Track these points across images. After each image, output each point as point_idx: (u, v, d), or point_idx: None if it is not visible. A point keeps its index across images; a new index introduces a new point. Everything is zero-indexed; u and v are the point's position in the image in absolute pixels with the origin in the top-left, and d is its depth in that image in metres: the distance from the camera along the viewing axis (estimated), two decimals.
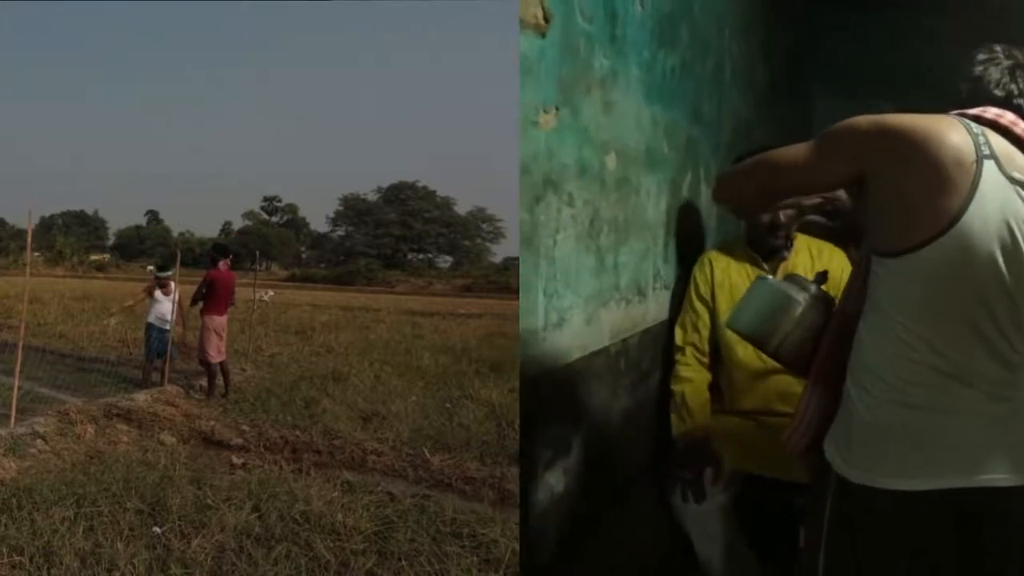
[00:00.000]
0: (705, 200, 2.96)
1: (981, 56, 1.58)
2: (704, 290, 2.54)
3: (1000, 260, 1.38)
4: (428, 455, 3.99)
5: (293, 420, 4.74)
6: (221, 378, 5.43)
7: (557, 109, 1.77)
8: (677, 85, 2.65)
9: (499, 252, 32.51)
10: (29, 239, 5.72)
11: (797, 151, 1.56)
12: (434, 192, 33.33)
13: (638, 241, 2.34)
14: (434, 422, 4.73)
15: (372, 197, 33.52)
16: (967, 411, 1.42)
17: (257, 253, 15.63)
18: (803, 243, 2.53)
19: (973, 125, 1.43)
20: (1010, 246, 1.38)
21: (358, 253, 31.24)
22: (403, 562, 2.73)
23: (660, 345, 2.56)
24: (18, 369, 4.55)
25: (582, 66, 1.90)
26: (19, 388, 4.49)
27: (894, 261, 1.43)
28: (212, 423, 4.65)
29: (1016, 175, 1.40)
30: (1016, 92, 1.53)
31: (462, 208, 33.65)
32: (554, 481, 1.86)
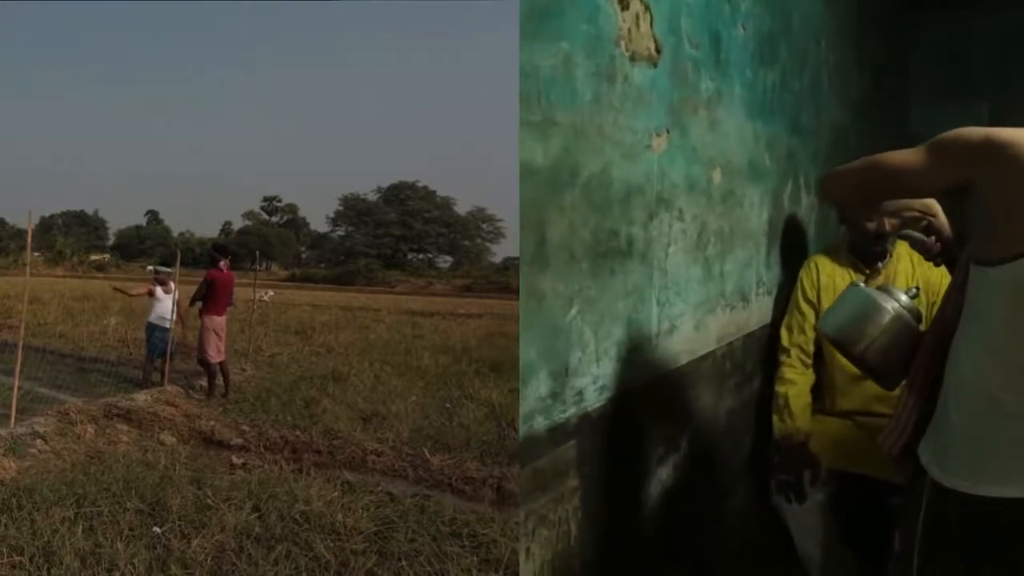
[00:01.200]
0: (805, 208, 3.07)
1: None
2: (811, 293, 2.60)
3: None
4: (428, 455, 3.99)
5: (293, 420, 4.74)
6: (221, 378, 5.43)
7: (668, 132, 1.89)
8: (777, 100, 2.76)
9: (499, 252, 32.58)
10: (29, 239, 5.72)
11: (906, 155, 1.57)
12: (434, 192, 33.41)
13: (742, 250, 2.44)
14: (434, 422, 4.73)
15: (372, 197, 33.60)
16: None
17: (257, 253, 15.62)
18: (904, 250, 2.57)
19: None
20: None
21: (358, 253, 31.27)
22: (403, 562, 2.73)
23: (763, 348, 2.65)
24: (18, 369, 4.55)
25: (690, 90, 2.02)
26: (19, 388, 4.49)
27: (993, 270, 1.44)
28: (212, 423, 4.65)
29: None
30: None
31: (462, 208, 33.76)
32: (665, 477, 1.98)
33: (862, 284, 1.92)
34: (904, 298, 1.81)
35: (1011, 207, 1.40)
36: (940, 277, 2.36)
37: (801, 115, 3.07)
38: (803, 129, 3.09)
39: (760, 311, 2.65)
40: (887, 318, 1.77)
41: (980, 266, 1.48)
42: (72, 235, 29.78)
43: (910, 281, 2.35)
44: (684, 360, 2.06)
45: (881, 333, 1.77)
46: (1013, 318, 1.43)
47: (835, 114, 3.60)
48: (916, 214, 1.77)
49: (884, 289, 1.87)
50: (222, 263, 5.55)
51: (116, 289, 7.32)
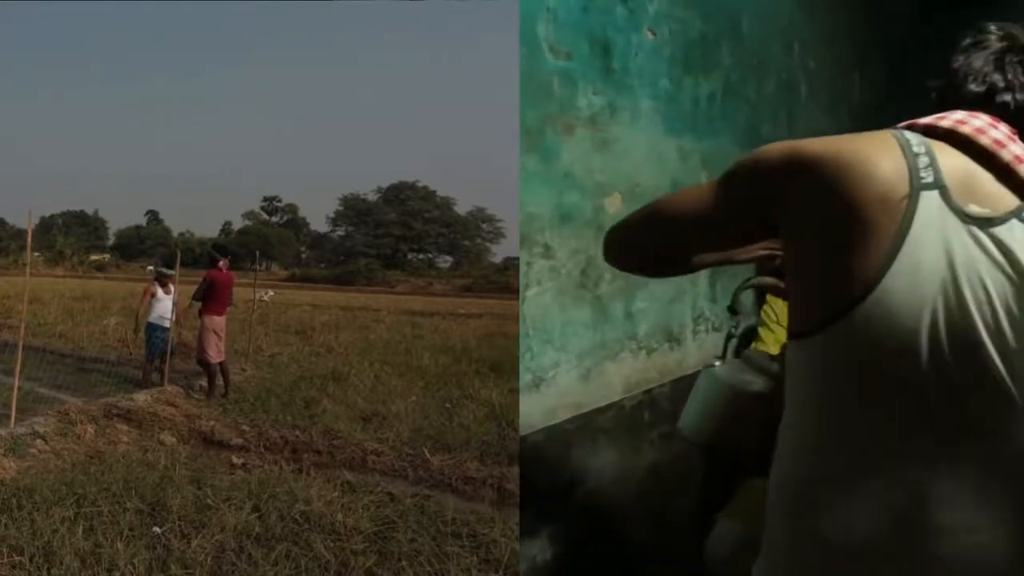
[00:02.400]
0: None
1: (967, 41, 1.21)
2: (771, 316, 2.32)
3: (937, 335, 1.00)
4: (428, 455, 3.98)
5: (293, 420, 4.73)
6: (221, 378, 5.43)
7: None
8: (719, 111, 2.50)
9: (499, 252, 32.53)
10: (29, 239, 5.71)
11: (696, 194, 1.21)
12: (434, 192, 33.36)
13: (663, 284, 2.18)
14: (434, 422, 4.72)
15: (372, 197, 33.55)
16: None
17: (257, 253, 15.61)
18: None
19: (914, 142, 1.06)
20: (955, 311, 1.00)
21: (358, 253, 31.24)
22: (403, 562, 2.72)
23: None
24: (18, 369, 4.55)
25: (556, 106, 1.79)
26: (19, 388, 4.48)
27: (796, 344, 1.09)
28: (212, 423, 4.65)
29: (974, 209, 1.02)
30: (1002, 85, 1.14)
31: (462, 208, 33.70)
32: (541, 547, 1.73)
33: (716, 364, 1.52)
34: (775, 367, 1.41)
35: (812, 254, 1.06)
36: None
37: (762, 126, 2.83)
38: (766, 140, 2.89)
39: (702, 350, 2.35)
40: (742, 401, 1.39)
41: (791, 339, 1.11)
42: (72, 235, 29.74)
43: None
44: (564, 415, 1.80)
45: (734, 420, 1.39)
46: (814, 416, 1.08)
47: (822, 121, 3.39)
48: (762, 252, 1.38)
49: (749, 360, 1.48)
50: (221, 263, 5.55)
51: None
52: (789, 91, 3.10)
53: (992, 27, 1.20)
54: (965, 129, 1.08)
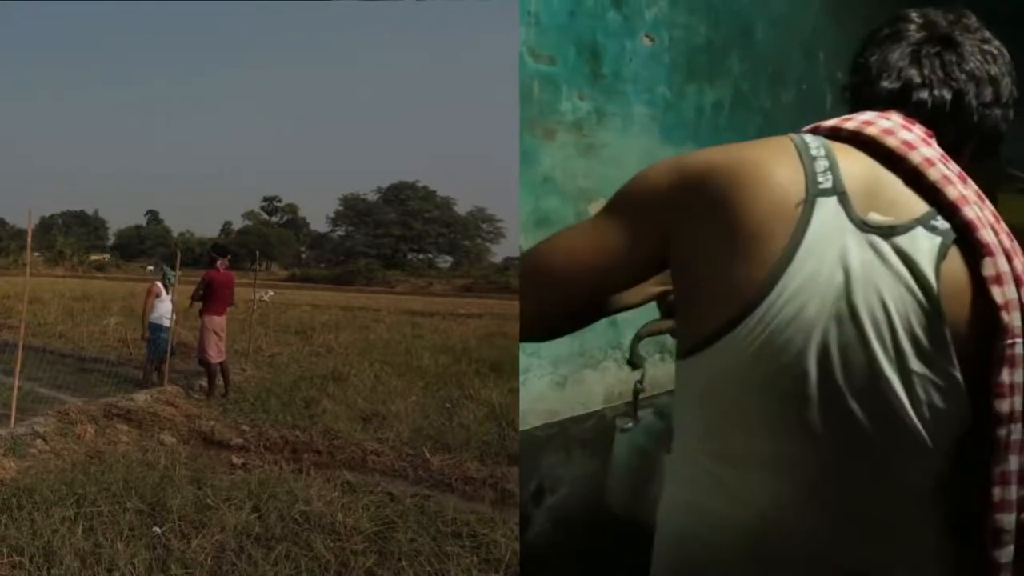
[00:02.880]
0: None
1: (884, 31, 1.10)
2: None
3: (827, 355, 0.90)
4: (428, 455, 3.98)
5: (293, 420, 4.73)
6: (221, 378, 5.43)
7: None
8: (726, 120, 2.46)
9: (499, 252, 32.51)
10: (29, 239, 5.72)
11: (581, 230, 1.09)
12: (434, 192, 33.34)
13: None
14: (434, 422, 4.72)
15: (372, 197, 33.53)
16: None
17: (257, 253, 15.59)
18: None
19: (813, 145, 0.97)
20: (848, 329, 0.90)
21: (358, 253, 31.23)
22: (403, 562, 2.72)
23: None
24: (18, 369, 4.55)
25: (536, 110, 1.77)
26: (19, 388, 4.48)
27: (680, 365, 1.01)
28: (212, 423, 4.65)
29: (874, 217, 0.93)
30: (918, 80, 1.03)
31: (462, 208, 33.66)
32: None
33: (628, 425, 1.40)
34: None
35: (700, 268, 0.96)
36: None
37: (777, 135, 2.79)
38: None
39: None
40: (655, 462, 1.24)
41: (677, 361, 1.02)
42: (72, 235, 29.70)
43: None
44: (535, 422, 1.75)
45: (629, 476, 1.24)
46: (698, 440, 0.99)
47: None
48: (657, 289, 1.24)
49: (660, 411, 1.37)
50: (219, 263, 5.56)
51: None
52: (812, 101, 3.01)
53: (913, 14, 1.09)
54: (871, 131, 0.99)
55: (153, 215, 35.51)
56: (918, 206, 0.94)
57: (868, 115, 1.02)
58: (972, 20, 1.07)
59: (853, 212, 0.93)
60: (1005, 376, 0.91)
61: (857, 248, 0.91)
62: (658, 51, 2.15)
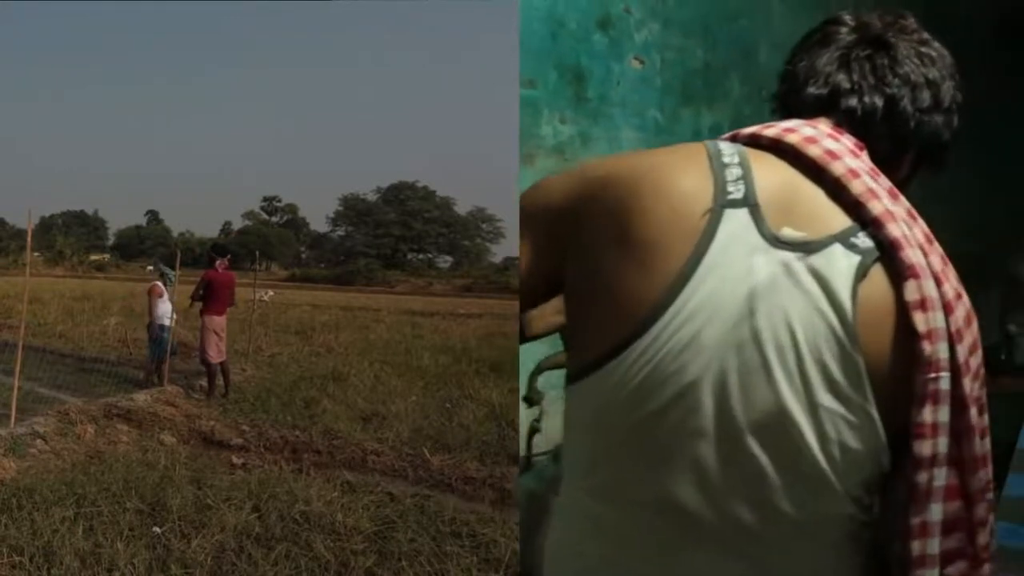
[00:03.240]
0: None
1: (816, 36, 1.02)
2: None
3: (723, 383, 0.82)
4: (428, 455, 3.98)
5: (293, 420, 4.73)
6: (221, 378, 5.43)
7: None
8: None
9: (499, 252, 32.51)
10: (29, 239, 5.72)
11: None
12: (434, 192, 33.33)
13: None
14: (434, 422, 4.72)
15: (372, 197, 33.52)
16: None
17: (257, 253, 15.59)
18: None
19: (727, 152, 0.89)
20: (750, 355, 0.82)
21: (358, 253, 31.24)
22: (403, 562, 2.72)
23: None
24: (18, 369, 4.55)
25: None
26: (19, 388, 4.48)
27: (567, 392, 0.92)
28: (212, 423, 4.65)
29: (787, 232, 0.84)
30: (847, 86, 0.95)
31: (462, 208, 33.66)
32: None
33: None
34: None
35: (601, 278, 0.86)
36: None
37: None
38: None
39: None
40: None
41: (565, 387, 0.93)
42: (72, 235, 29.70)
43: None
44: None
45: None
46: (581, 474, 0.91)
47: None
48: (558, 321, 1.08)
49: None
50: (218, 263, 5.56)
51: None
52: None
53: (846, 17, 1.00)
54: (792, 138, 0.90)
55: (153, 215, 35.51)
56: (838, 221, 0.86)
57: (793, 122, 0.94)
58: (910, 21, 1.00)
59: (765, 226, 0.84)
60: (927, 415, 0.81)
61: (766, 266, 0.82)
62: (649, 74, 2.11)
